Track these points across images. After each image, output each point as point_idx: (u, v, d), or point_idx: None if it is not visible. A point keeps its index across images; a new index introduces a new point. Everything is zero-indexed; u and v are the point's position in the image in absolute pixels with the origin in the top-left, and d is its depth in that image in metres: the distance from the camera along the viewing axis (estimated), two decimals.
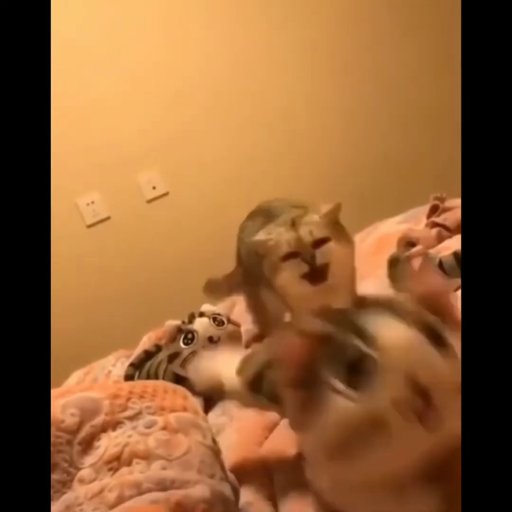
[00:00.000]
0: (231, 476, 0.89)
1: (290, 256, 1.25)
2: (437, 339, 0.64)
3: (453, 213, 1.72)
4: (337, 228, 1.32)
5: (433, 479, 0.65)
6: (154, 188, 2.84)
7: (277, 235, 1.28)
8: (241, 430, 1.10)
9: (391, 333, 0.64)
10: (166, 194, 2.85)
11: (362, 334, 0.64)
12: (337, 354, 0.65)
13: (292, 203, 1.44)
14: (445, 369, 0.62)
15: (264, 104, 2.90)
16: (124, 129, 2.80)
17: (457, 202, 1.79)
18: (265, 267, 1.31)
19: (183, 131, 2.83)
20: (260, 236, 1.32)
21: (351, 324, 0.66)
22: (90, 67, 2.75)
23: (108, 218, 2.81)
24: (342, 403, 0.63)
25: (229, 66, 2.87)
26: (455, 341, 0.64)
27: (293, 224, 1.28)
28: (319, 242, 1.25)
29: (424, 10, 2.93)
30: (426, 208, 1.90)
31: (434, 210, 1.81)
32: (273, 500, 0.89)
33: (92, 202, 2.79)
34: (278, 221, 1.33)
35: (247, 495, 0.91)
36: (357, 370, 0.63)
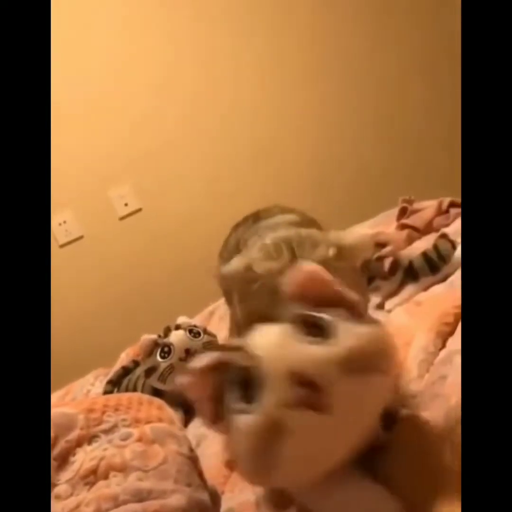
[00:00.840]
0: (212, 484, 0.89)
1: None
2: (313, 328, 0.66)
3: (422, 214, 1.75)
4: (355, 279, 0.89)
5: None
6: (126, 205, 2.83)
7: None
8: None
9: (263, 339, 0.67)
10: (139, 210, 2.85)
11: (243, 349, 0.67)
12: (231, 376, 0.67)
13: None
14: (321, 352, 0.63)
15: (236, 116, 2.91)
16: (93, 146, 2.80)
17: (425, 203, 1.82)
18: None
19: (153, 146, 2.83)
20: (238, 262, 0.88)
21: (236, 344, 0.69)
22: (58, 84, 2.74)
23: (81, 237, 2.80)
24: (242, 419, 0.64)
25: (198, 78, 2.87)
26: (344, 322, 0.66)
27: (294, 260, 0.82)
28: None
29: (395, 17, 2.97)
30: (395, 211, 1.93)
31: (403, 213, 1.84)
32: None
33: (64, 222, 2.78)
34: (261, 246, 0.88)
35: (229, 502, 0.91)
36: (249, 384, 0.65)
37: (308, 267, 0.72)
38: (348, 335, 0.65)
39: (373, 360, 0.64)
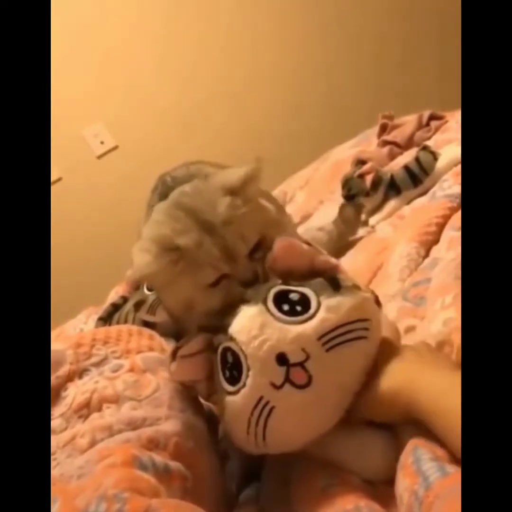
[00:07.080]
0: (208, 409, 0.90)
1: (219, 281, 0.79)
2: (290, 303, 0.68)
3: (402, 130, 1.72)
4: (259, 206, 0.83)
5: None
6: (102, 143, 2.78)
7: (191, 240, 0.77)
8: None
9: (242, 322, 0.68)
10: (115, 147, 2.79)
11: (226, 333, 0.69)
12: (219, 359, 0.71)
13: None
14: (298, 330, 0.65)
15: (210, 50, 2.83)
16: (65, 86, 2.71)
17: (405, 118, 1.79)
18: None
19: (125, 82, 2.76)
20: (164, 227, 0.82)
21: (221, 327, 0.71)
22: None
23: (59, 179, 2.75)
24: (231, 400, 0.68)
25: (169, 13, 2.78)
26: (321, 293, 0.68)
27: (205, 225, 0.78)
28: (256, 249, 0.80)
29: None
30: (376, 129, 1.90)
31: (383, 129, 1.82)
32: None
33: None
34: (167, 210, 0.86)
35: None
36: (233, 366, 0.68)
37: (283, 241, 0.72)
38: (324, 307, 0.66)
39: (352, 330, 0.65)
